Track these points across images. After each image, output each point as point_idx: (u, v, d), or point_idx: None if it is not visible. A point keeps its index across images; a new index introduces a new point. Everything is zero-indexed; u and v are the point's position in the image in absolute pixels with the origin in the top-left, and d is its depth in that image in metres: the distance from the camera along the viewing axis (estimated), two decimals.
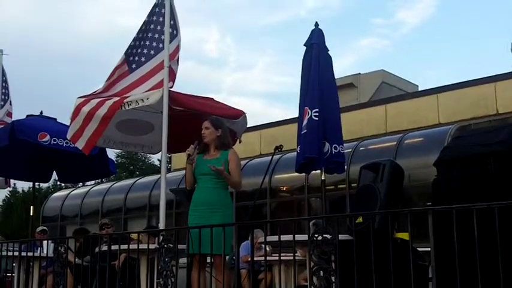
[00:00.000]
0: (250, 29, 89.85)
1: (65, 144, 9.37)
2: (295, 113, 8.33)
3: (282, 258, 6.08)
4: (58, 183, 31.75)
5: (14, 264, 9.00)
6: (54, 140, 9.52)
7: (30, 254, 8.59)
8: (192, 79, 72.00)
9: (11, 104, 10.94)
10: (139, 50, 8.06)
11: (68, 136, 8.11)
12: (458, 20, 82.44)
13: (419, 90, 26.28)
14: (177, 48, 7.89)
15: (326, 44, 8.43)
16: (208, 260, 6.41)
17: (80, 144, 7.86)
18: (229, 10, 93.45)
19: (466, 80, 18.22)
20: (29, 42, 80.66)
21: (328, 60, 8.34)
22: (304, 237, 5.15)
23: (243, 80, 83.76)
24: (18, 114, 10.94)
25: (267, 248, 7.23)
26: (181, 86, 8.06)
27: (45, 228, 12.67)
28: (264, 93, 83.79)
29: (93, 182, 24.45)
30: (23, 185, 38.67)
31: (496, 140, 5.30)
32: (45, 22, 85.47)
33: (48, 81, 77.75)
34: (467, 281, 4.34)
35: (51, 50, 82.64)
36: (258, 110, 73.27)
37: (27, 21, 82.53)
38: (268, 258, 7.26)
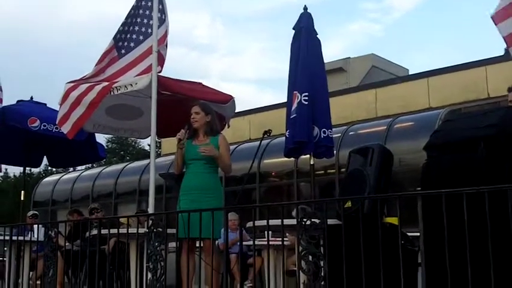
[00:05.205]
0: (241, 14, 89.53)
1: (54, 129, 9.36)
2: (286, 99, 8.31)
3: (270, 243, 6.11)
4: (49, 168, 31.69)
5: (5, 249, 9.00)
6: (44, 125, 9.52)
7: (21, 238, 8.61)
8: (183, 65, 71.78)
9: (1, 90, 10.88)
10: (128, 35, 8.06)
11: (57, 121, 8.10)
12: (450, 5, 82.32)
13: (409, 74, 26.27)
14: (166, 33, 7.89)
15: (316, 28, 8.42)
16: (198, 245, 6.42)
17: (66, 129, 7.88)
18: None
19: (456, 63, 18.17)
20: (17, 32, 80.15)
21: (317, 44, 8.32)
22: (293, 221, 5.15)
23: (233, 66, 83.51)
24: (8, 100, 10.91)
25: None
26: (171, 71, 8.06)
27: (36, 212, 12.69)
28: (255, 78, 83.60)
29: (83, 167, 24.43)
30: (14, 170, 38.61)
31: (487, 123, 5.28)
32: (33, 12, 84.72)
33: (35, 72, 77.16)
34: (456, 265, 4.35)
35: (38, 41, 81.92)
36: (249, 96, 73.08)
37: (17, 11, 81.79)
38: (256, 242, 7.26)
